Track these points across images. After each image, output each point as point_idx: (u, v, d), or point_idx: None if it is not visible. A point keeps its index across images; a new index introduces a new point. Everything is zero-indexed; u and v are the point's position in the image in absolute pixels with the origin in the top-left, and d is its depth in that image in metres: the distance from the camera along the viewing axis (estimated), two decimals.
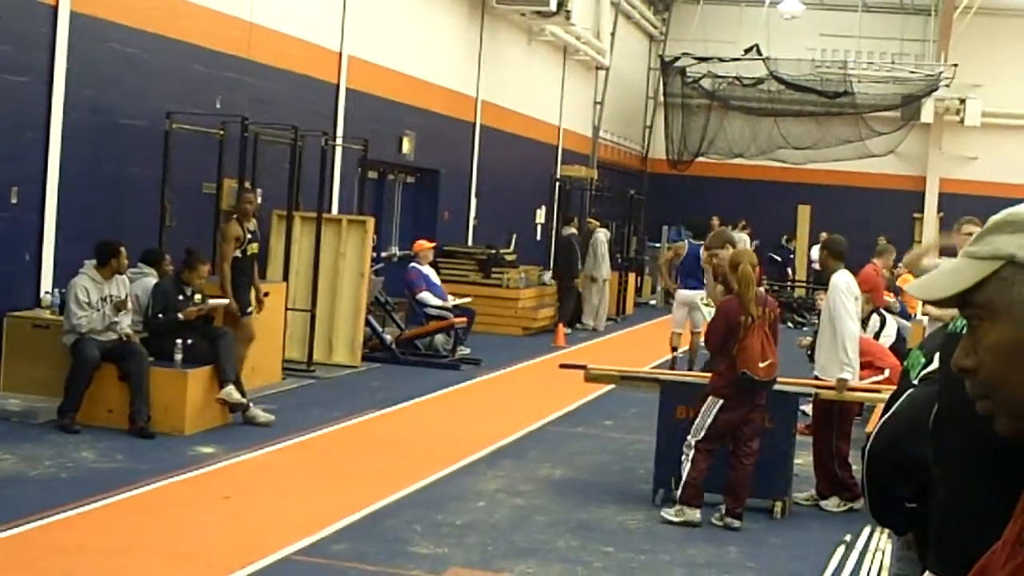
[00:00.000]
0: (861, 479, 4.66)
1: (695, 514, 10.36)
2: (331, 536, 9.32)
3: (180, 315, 13.00)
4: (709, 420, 10.26)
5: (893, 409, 4.51)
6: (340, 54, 19.80)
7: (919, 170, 39.54)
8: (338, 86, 19.83)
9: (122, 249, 12.71)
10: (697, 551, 9.64)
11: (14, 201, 13.05)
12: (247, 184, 15.44)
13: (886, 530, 5.95)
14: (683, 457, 10.38)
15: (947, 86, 36.36)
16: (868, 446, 4.56)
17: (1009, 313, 1.93)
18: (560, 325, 23.93)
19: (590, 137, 34.72)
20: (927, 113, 37.80)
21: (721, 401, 10.27)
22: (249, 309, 14.34)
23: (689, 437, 10.34)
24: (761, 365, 10.21)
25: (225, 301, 13.81)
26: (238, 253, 14.16)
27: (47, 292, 13.37)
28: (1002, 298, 1.94)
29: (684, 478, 10.35)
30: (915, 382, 4.54)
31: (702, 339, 12.82)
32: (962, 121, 38.15)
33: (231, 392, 12.98)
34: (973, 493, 3.32)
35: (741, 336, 10.21)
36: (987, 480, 3.21)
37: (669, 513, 10.43)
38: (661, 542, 9.85)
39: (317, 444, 12.80)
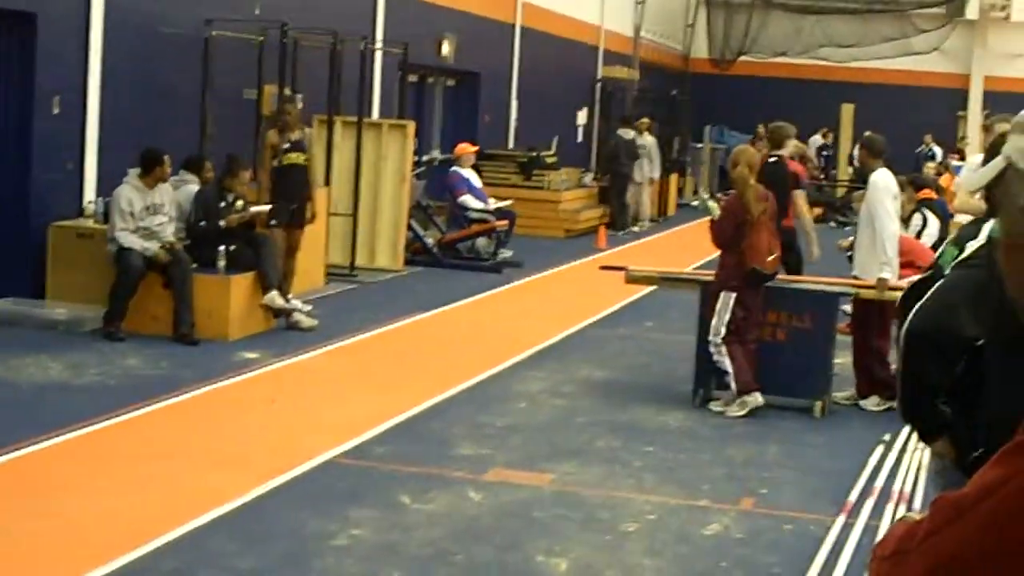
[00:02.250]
0: (897, 364, 4.66)
1: (756, 398, 10.59)
2: (374, 439, 9.43)
3: (222, 222, 13.04)
4: (728, 316, 10.49)
5: (931, 291, 4.51)
6: None
7: (963, 68, 39.05)
8: None
9: (166, 158, 12.76)
10: (736, 450, 9.72)
11: (56, 111, 13.11)
12: (287, 91, 15.42)
13: None
14: (715, 358, 10.55)
15: None
16: (907, 325, 4.54)
17: (1003, 213, 1.97)
18: (602, 227, 23.86)
19: (631, 37, 34.42)
20: (972, 9, 37.30)
21: (735, 294, 10.50)
22: (274, 221, 13.76)
23: (711, 336, 10.56)
24: (768, 259, 10.56)
25: (267, 208, 13.76)
26: (275, 163, 14.10)
27: (90, 201, 13.46)
28: (1000, 197, 1.97)
29: (731, 372, 10.53)
30: (947, 272, 4.56)
31: None
32: (1008, 17, 37.65)
33: (274, 298, 13.06)
34: None
35: (748, 233, 10.46)
36: None
37: (732, 410, 10.62)
38: (701, 441, 9.93)
39: (360, 348, 12.92)
